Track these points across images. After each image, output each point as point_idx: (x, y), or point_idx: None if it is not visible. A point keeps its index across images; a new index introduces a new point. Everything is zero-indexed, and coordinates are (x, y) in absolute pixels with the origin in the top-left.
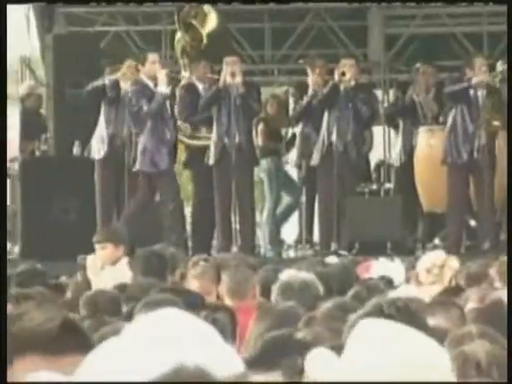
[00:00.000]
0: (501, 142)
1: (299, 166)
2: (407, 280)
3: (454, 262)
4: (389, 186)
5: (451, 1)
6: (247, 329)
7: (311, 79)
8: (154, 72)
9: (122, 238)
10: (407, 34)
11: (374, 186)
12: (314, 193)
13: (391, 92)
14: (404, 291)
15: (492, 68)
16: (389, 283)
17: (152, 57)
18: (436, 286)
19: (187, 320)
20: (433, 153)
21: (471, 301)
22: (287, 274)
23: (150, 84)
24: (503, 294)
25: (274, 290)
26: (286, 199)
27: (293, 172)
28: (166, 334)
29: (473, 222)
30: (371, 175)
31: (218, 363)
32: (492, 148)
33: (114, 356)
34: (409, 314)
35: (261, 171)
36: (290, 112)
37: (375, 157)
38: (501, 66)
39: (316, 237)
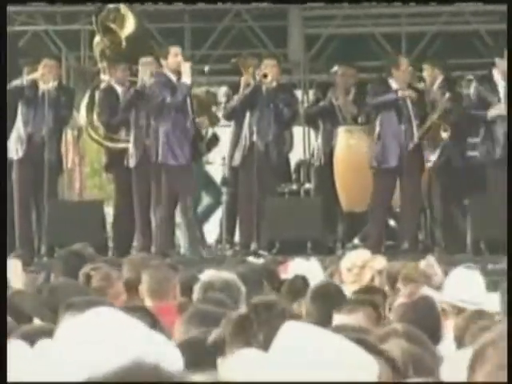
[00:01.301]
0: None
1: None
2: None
3: (379, 261)
4: (309, 186)
5: (451, 1)
6: (171, 329)
7: (244, 78)
8: (177, 65)
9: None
10: (327, 35)
11: (294, 186)
12: (235, 193)
13: (311, 92)
14: None
15: (419, 70)
16: (305, 283)
17: (174, 50)
18: (355, 284)
19: (123, 318)
20: (352, 153)
21: (399, 297)
22: (208, 274)
23: (172, 76)
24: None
25: (196, 289)
26: (206, 199)
27: (213, 172)
28: (105, 333)
29: (392, 222)
30: (291, 175)
31: (161, 360)
32: (421, 152)
33: (50, 357)
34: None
35: None
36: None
37: (295, 157)
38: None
39: (237, 237)
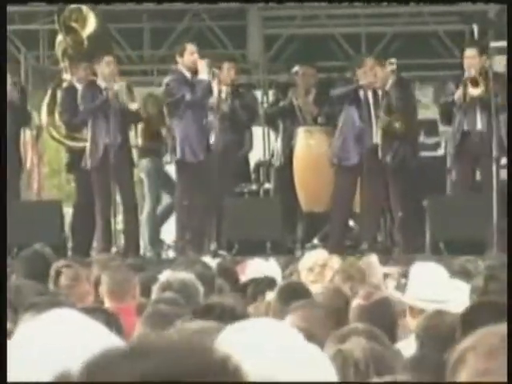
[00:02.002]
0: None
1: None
2: (285, 279)
3: (336, 261)
4: (268, 186)
5: (450, 1)
6: (131, 329)
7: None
8: (193, 62)
9: None
10: (286, 35)
11: (254, 187)
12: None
13: (271, 93)
14: None
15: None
16: (265, 282)
17: (190, 47)
18: (316, 284)
19: (81, 320)
20: (312, 153)
21: (357, 298)
22: (166, 275)
23: (188, 74)
24: (388, 293)
25: (154, 290)
26: (165, 199)
27: (173, 171)
28: (62, 335)
29: (351, 223)
30: (251, 175)
31: None
32: (384, 149)
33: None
34: None
35: (140, 171)
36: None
37: (255, 157)
38: (390, 67)
39: None
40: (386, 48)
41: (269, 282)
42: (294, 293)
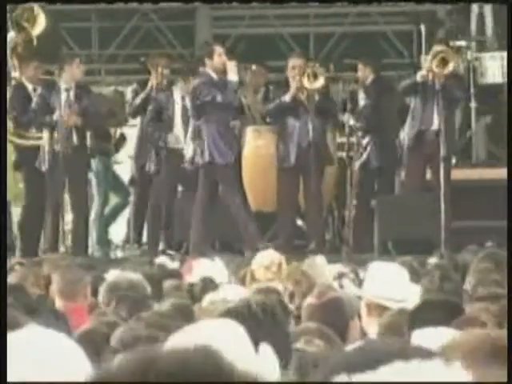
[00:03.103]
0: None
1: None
2: (239, 280)
3: (284, 262)
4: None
5: (448, 1)
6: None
7: (153, 78)
8: (222, 64)
9: None
10: (235, 35)
11: None
12: (144, 193)
13: None
14: (229, 290)
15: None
16: (211, 282)
17: (218, 49)
18: (274, 282)
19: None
20: (260, 153)
21: (309, 297)
22: (113, 275)
23: (215, 76)
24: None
25: (101, 290)
26: (114, 199)
27: (121, 172)
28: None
29: (300, 222)
30: None
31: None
32: (322, 149)
33: None
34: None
35: (89, 171)
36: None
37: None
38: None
39: (145, 237)
40: (334, 48)
41: (211, 283)
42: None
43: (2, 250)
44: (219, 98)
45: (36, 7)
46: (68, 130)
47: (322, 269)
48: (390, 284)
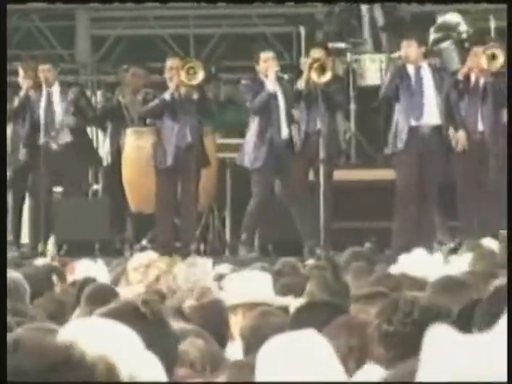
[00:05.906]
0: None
1: None
2: (115, 281)
3: (164, 261)
4: (97, 187)
5: (451, 1)
6: None
7: (22, 80)
8: (266, 70)
9: None
10: (114, 36)
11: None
12: (22, 194)
13: (99, 93)
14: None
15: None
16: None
17: (264, 55)
18: (141, 284)
19: None
20: (140, 154)
21: (189, 298)
22: None
23: (265, 80)
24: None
25: None
26: None
27: None
28: None
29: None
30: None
31: None
32: (199, 151)
33: None
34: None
35: None
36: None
37: None
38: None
39: (25, 238)
40: (215, 49)
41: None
42: (100, 295)
43: (2, 249)
44: (248, 104)
45: None
46: None
47: (203, 270)
48: (256, 291)
